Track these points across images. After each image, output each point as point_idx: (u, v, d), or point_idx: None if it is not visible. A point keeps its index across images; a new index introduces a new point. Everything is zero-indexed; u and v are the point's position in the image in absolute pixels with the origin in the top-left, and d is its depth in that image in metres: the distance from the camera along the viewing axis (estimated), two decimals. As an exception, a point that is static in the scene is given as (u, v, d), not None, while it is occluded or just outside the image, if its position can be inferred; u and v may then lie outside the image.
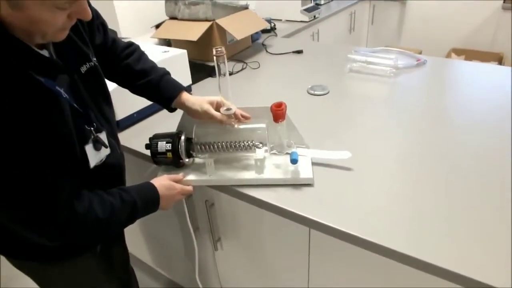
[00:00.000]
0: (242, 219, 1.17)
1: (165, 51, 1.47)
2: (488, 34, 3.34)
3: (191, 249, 1.25)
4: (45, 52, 0.74)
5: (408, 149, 1.15)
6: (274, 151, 1.08)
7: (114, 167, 0.94)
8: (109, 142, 0.88)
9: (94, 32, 0.96)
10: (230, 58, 1.97)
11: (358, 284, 0.99)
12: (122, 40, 1.10)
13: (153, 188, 0.96)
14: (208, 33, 1.83)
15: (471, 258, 0.78)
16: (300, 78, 1.72)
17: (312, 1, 2.78)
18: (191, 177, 1.06)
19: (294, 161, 0.99)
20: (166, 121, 1.11)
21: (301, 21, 2.64)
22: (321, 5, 2.94)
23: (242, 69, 1.85)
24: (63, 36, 0.73)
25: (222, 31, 1.87)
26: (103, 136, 0.86)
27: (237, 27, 1.87)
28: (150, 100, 1.12)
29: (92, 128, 0.82)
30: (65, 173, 0.74)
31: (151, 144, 1.05)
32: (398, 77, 1.66)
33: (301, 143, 1.10)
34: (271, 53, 2.06)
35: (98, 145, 0.84)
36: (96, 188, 0.85)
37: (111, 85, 1.08)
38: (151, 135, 1.08)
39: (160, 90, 1.05)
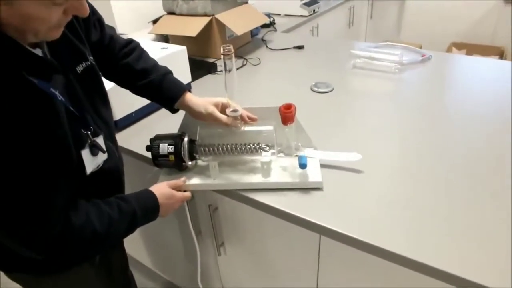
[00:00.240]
0: (247, 223, 1.13)
1: (164, 48, 1.42)
2: (489, 28, 3.30)
3: (193, 252, 1.21)
4: (38, 52, 0.69)
5: (420, 149, 1.10)
6: (281, 154, 1.03)
7: (112, 172, 0.88)
8: (106, 146, 0.83)
9: (90, 29, 0.90)
10: (230, 54, 1.92)
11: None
12: (120, 36, 1.04)
13: (152, 197, 0.91)
14: (207, 28, 1.77)
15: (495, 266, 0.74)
16: (302, 74, 1.67)
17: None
18: (194, 181, 1.01)
19: (303, 165, 0.94)
20: (166, 120, 1.06)
21: (301, 16, 2.58)
22: (320, -1, 2.88)
23: (243, 65, 1.80)
24: (57, 34, 0.67)
25: (221, 26, 1.81)
26: (100, 140, 0.81)
27: (237, 22, 1.81)
28: (152, 101, 1.06)
29: (89, 132, 0.77)
30: (60, 182, 0.69)
31: (152, 146, 1.00)
32: (403, 73, 1.62)
33: (309, 145, 1.05)
34: (271, 49, 2.01)
35: (95, 150, 0.78)
36: (93, 196, 0.80)
37: (108, 84, 1.03)
38: (150, 135, 1.03)
39: (162, 91, 1.00)
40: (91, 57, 0.84)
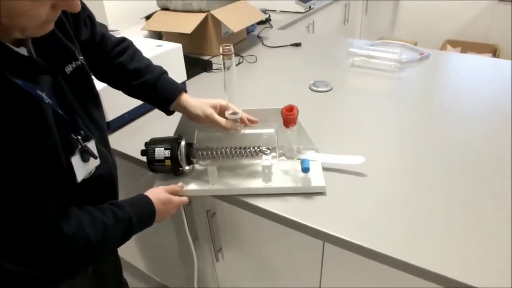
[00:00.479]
0: (246, 229, 1.09)
1: (158, 45, 1.37)
2: (483, 26, 3.29)
3: (189, 258, 1.16)
4: (23, 50, 0.63)
5: (421, 148, 1.08)
6: (282, 157, 0.99)
7: (104, 178, 0.83)
8: (99, 151, 0.78)
9: (80, 27, 0.84)
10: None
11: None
12: (113, 35, 0.99)
13: (148, 202, 0.87)
14: (202, 25, 1.72)
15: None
16: (300, 73, 1.63)
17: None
18: (191, 186, 0.97)
19: (305, 169, 0.91)
20: (161, 121, 1.01)
21: (297, 12, 2.54)
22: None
23: (239, 63, 1.75)
24: (46, 30, 0.62)
25: (217, 23, 1.76)
26: (91, 144, 0.75)
27: (233, 19, 1.76)
28: (146, 102, 1.01)
29: (79, 137, 0.72)
30: (49, 191, 0.64)
31: (147, 151, 0.95)
32: (402, 72, 1.59)
33: (311, 148, 1.01)
34: (267, 46, 1.97)
35: (86, 155, 0.73)
36: (84, 203, 0.75)
37: (99, 84, 0.98)
38: (145, 137, 0.98)
39: (157, 91, 0.95)
40: (81, 57, 0.79)
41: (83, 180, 0.74)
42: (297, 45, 1.94)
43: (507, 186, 0.93)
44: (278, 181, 0.95)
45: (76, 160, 0.71)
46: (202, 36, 1.79)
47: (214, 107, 0.94)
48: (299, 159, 0.96)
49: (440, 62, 1.69)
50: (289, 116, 0.88)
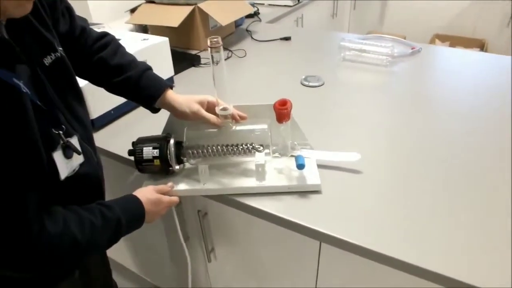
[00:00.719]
0: (239, 228, 1.05)
1: (144, 39, 1.31)
2: (470, 21, 3.30)
3: (181, 258, 1.13)
4: None
5: (420, 145, 1.05)
6: (276, 154, 0.96)
7: (89, 178, 0.79)
8: (83, 149, 0.74)
9: (58, 19, 0.79)
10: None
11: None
12: (94, 29, 0.94)
13: (138, 202, 0.83)
14: (189, 18, 1.67)
15: None
16: (291, 67, 1.59)
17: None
18: (182, 186, 0.93)
19: (300, 166, 0.87)
20: (149, 118, 0.97)
21: (285, 6, 2.49)
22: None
23: (228, 57, 1.71)
24: (26, 8, 0.58)
25: (204, 16, 1.71)
26: (74, 141, 0.71)
27: (221, 12, 1.71)
28: (130, 100, 0.96)
29: (60, 132, 0.68)
30: (28, 186, 0.59)
31: (135, 150, 0.90)
32: (394, 66, 1.56)
33: (305, 144, 0.98)
34: (257, 40, 1.92)
35: (69, 151, 0.68)
36: (70, 205, 0.71)
37: (82, 80, 0.93)
38: (132, 135, 0.94)
39: (140, 89, 0.90)
40: (61, 48, 0.74)
41: (68, 179, 0.69)
42: (287, 39, 1.90)
43: (503, 179, 0.91)
44: (272, 179, 0.92)
45: (58, 156, 0.66)
46: (189, 30, 1.74)
47: (201, 103, 0.90)
48: (293, 156, 0.93)
49: (431, 56, 1.68)
50: (282, 111, 0.85)
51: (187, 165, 0.97)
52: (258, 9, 2.30)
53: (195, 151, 0.91)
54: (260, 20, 2.23)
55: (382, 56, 1.59)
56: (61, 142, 0.67)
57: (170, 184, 0.91)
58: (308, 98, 1.33)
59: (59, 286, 0.80)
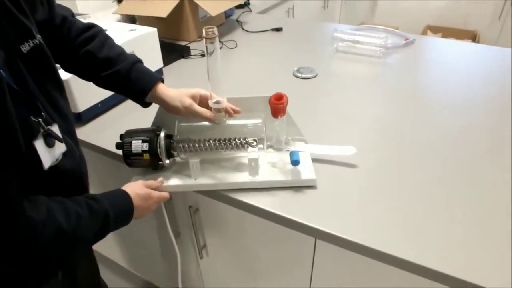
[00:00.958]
0: (232, 225, 1.02)
1: (132, 30, 1.27)
2: (462, 12, 3.29)
3: (172, 254, 1.10)
4: None
5: (414, 137, 1.04)
6: (270, 149, 0.93)
7: (72, 174, 0.75)
8: (64, 141, 0.70)
9: (35, 6, 0.74)
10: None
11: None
12: (79, 20, 0.89)
13: (126, 197, 0.80)
14: (178, 8, 1.62)
15: None
16: (283, 59, 1.56)
17: (287, -26, 2.59)
18: (172, 181, 0.90)
19: (295, 162, 0.85)
20: (138, 111, 0.93)
21: (276, -4, 2.46)
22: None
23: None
24: None
25: (194, 6, 1.66)
26: (55, 129, 0.67)
27: (211, 2, 1.67)
28: (120, 94, 0.92)
29: (40, 120, 0.64)
30: (6, 170, 0.55)
31: (124, 144, 0.87)
32: (388, 58, 1.54)
33: (300, 138, 0.95)
34: (248, 31, 1.89)
35: (50, 139, 0.65)
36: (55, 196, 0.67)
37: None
38: (121, 129, 0.90)
39: (130, 82, 0.86)
40: (39, 36, 0.70)
41: (50, 173, 0.66)
42: (278, 30, 1.87)
43: (500, 172, 0.90)
44: (266, 174, 0.89)
45: (39, 145, 0.63)
46: (179, 21, 1.70)
47: (194, 97, 0.87)
48: (287, 150, 0.90)
49: (425, 47, 1.66)
50: (278, 106, 0.82)
51: (178, 159, 0.94)
52: (248, 0, 2.26)
53: (186, 145, 0.87)
54: (250, 11, 2.19)
55: (375, 47, 1.57)
56: (42, 130, 0.64)
57: (160, 179, 0.88)
58: (301, 90, 1.31)
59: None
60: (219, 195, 0.89)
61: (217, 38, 0.77)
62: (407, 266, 0.72)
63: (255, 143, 0.87)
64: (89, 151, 1.08)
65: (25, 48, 0.64)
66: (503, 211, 0.80)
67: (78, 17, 0.91)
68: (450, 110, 1.16)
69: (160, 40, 1.37)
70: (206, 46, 0.78)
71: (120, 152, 0.89)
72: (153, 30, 1.33)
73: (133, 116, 1.11)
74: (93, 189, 0.85)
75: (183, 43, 1.71)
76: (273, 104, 0.82)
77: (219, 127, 0.89)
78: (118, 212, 0.76)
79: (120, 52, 0.88)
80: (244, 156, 0.90)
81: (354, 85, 1.34)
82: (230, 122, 0.89)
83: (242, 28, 1.92)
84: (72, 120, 0.78)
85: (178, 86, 0.90)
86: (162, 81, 0.90)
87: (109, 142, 1.01)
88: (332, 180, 0.90)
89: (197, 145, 0.87)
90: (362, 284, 0.87)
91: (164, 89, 0.88)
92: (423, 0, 3.36)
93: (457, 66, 1.45)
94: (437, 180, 0.89)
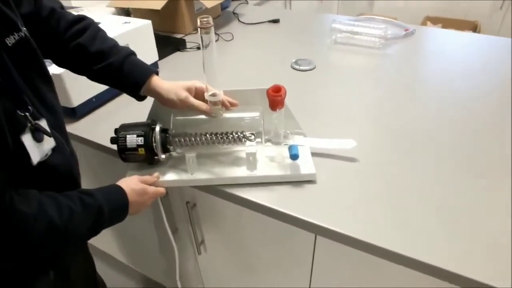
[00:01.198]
0: (229, 221, 1.01)
1: (126, 22, 1.24)
2: (462, 3, 3.25)
3: (170, 250, 1.08)
4: None
5: (416, 128, 1.02)
6: (268, 143, 0.91)
7: (63, 171, 0.73)
8: (53, 137, 0.68)
9: None
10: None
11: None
12: (69, 12, 0.86)
13: (121, 192, 0.78)
14: (173, 0, 1.59)
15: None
16: (280, 51, 1.54)
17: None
18: (168, 176, 0.88)
19: (294, 156, 0.83)
20: (134, 105, 0.91)
21: (273, -13, 2.43)
22: (292, -31, 2.72)
23: (215, 41, 1.64)
24: None
25: (189, -3, 1.64)
26: (43, 123, 0.65)
27: (207, -6, 1.64)
28: (114, 88, 0.90)
29: (27, 114, 0.62)
30: None
31: (118, 138, 0.85)
32: (387, 49, 1.52)
33: (299, 132, 0.93)
34: (244, 23, 1.86)
35: (38, 134, 0.63)
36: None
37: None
38: (116, 123, 0.88)
39: (124, 76, 0.84)
40: (25, 28, 0.67)
41: (39, 169, 0.64)
42: (275, 21, 1.84)
43: (500, 164, 0.88)
44: (264, 169, 0.87)
45: (27, 139, 0.61)
46: (174, 13, 1.67)
47: (189, 90, 0.84)
48: (286, 144, 0.88)
49: (425, 38, 1.64)
50: (276, 98, 0.80)
51: (174, 154, 0.92)
52: (245, -9, 2.23)
53: (183, 139, 0.85)
54: (247, 2, 2.16)
55: (374, 38, 1.54)
56: (29, 124, 0.62)
57: (156, 174, 0.86)
58: (299, 82, 1.28)
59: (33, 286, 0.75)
60: (217, 190, 0.87)
61: (212, 28, 0.75)
62: (408, 263, 0.70)
63: (252, 137, 0.85)
64: (84, 146, 1.06)
65: (10, 41, 0.62)
66: (505, 208, 0.79)
67: (71, 11, 0.88)
68: (450, 101, 1.14)
69: (155, 33, 1.35)
70: (201, 37, 0.75)
71: (114, 147, 0.87)
72: (148, 23, 1.30)
73: (128, 110, 1.09)
74: (88, 185, 0.83)
75: (179, 36, 1.68)
76: (271, 96, 0.80)
77: (216, 120, 0.87)
78: (112, 207, 0.74)
79: (112, 45, 0.86)
80: (242, 150, 0.88)
81: (353, 76, 1.32)
82: (227, 115, 0.87)
83: (239, 20, 1.89)
84: (62, 115, 0.76)
85: (174, 79, 0.87)
86: (157, 73, 0.87)
87: (104, 137, 0.99)
88: (332, 174, 0.88)
89: (193, 139, 0.85)
90: (363, 282, 0.85)
91: (158, 82, 0.85)
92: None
93: (458, 56, 1.43)
94: (440, 173, 0.87)
